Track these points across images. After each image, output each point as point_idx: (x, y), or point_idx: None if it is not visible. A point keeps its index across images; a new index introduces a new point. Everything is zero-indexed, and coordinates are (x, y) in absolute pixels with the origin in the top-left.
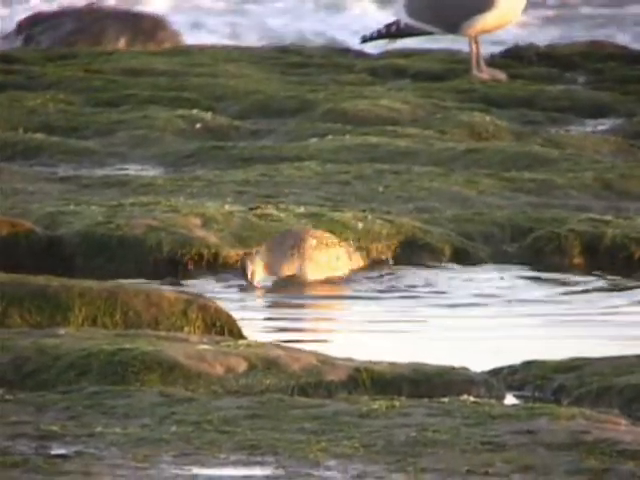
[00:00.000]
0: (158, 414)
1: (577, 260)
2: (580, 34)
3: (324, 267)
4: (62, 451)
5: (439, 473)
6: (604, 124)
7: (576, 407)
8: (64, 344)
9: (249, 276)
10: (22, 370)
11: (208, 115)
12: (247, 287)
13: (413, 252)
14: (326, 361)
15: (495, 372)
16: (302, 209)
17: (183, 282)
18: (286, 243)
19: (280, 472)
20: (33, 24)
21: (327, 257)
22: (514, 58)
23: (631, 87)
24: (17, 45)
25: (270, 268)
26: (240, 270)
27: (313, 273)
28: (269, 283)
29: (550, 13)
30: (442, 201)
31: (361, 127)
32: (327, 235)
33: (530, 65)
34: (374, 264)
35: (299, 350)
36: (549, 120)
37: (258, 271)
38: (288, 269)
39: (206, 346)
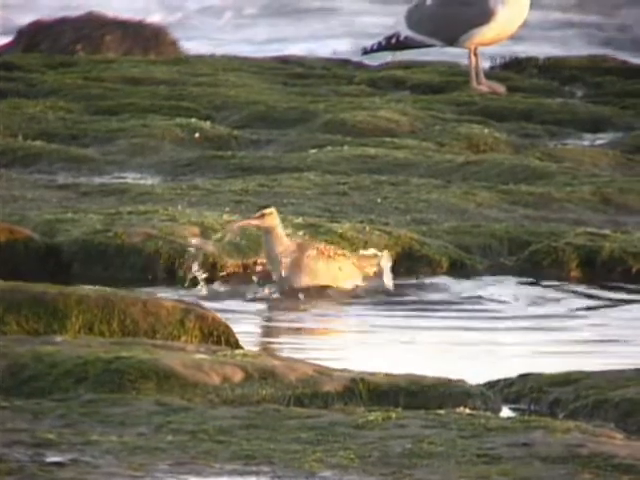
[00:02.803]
0: (154, 423)
1: (574, 273)
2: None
3: (324, 278)
4: (58, 459)
5: None
6: (602, 138)
7: (572, 420)
8: (61, 351)
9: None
10: (18, 377)
11: (207, 124)
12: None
13: (410, 264)
14: (322, 372)
15: (491, 385)
16: (300, 219)
17: (180, 291)
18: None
19: None
20: (34, 32)
21: (327, 268)
22: (513, 71)
23: (630, 101)
24: (17, 52)
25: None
26: None
27: (312, 283)
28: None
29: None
30: (440, 213)
31: (360, 138)
32: (330, 247)
33: (529, 78)
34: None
35: (295, 360)
36: (548, 133)
37: None
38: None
39: (203, 355)
